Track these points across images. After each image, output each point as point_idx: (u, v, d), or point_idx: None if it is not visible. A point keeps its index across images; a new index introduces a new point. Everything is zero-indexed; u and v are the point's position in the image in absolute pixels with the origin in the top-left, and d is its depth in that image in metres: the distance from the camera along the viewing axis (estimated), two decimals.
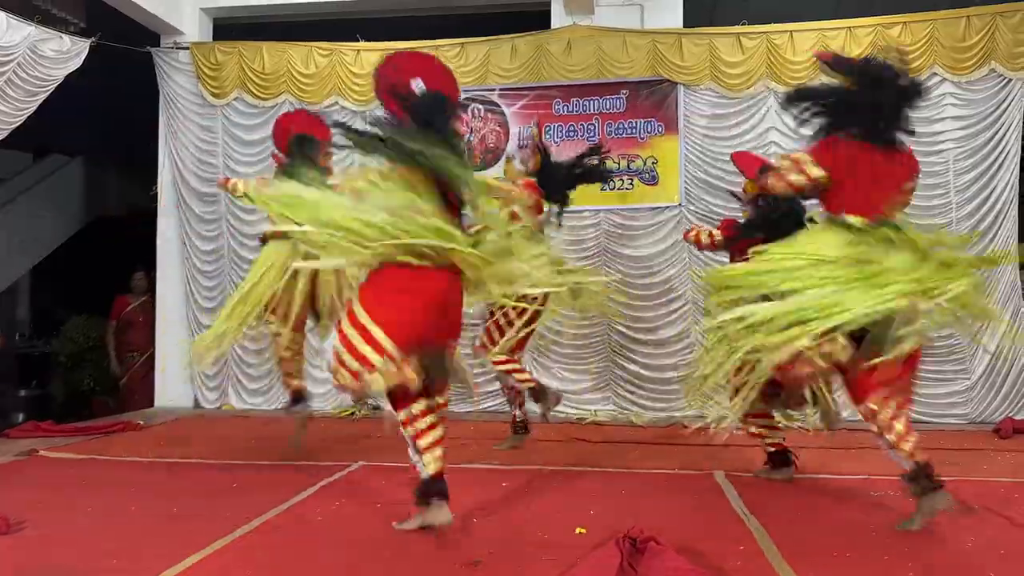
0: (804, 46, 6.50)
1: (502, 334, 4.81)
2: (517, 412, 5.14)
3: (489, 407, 6.74)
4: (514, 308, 4.64)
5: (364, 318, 2.93)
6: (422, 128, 3.07)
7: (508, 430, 5.16)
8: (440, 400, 3.17)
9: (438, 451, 3.08)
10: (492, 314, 4.87)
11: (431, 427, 3.08)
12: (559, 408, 5.80)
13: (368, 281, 3.03)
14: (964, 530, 3.14)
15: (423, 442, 3.06)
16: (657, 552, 2.63)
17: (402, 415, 3.07)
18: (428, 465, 3.05)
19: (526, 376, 4.96)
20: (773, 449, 4.22)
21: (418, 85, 3.20)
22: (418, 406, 3.05)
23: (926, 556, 2.82)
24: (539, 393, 4.80)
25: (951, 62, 6.32)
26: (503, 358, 4.84)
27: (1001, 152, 6.29)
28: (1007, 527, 3.21)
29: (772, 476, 4.17)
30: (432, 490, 3.05)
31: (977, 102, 6.34)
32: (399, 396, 3.04)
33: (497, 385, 6.79)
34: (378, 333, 2.90)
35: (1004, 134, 6.30)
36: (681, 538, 2.88)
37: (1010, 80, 6.28)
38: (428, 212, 2.99)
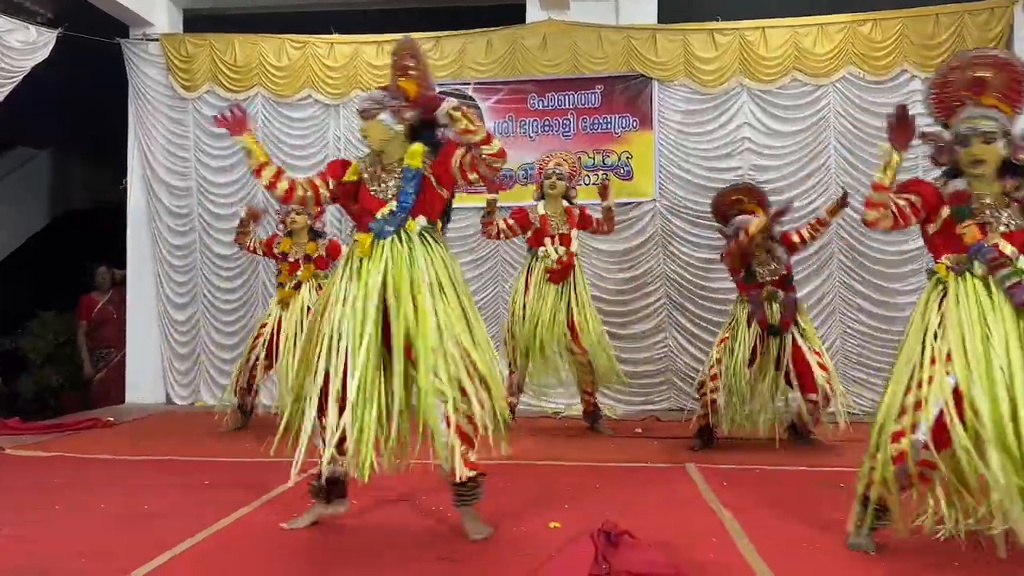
0: (776, 43, 6.55)
1: None
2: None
3: None
4: None
5: None
6: None
7: None
8: None
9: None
10: None
11: None
12: (534, 402, 5.85)
13: None
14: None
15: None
16: (631, 545, 2.64)
17: None
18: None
19: None
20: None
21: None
22: None
23: (894, 545, 2.86)
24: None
25: (920, 59, 6.40)
26: None
27: None
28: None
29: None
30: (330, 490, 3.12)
31: None
32: None
33: None
34: None
35: None
36: (654, 531, 2.89)
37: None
38: None
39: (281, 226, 5.51)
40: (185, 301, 7.19)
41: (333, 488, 3.13)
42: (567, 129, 6.79)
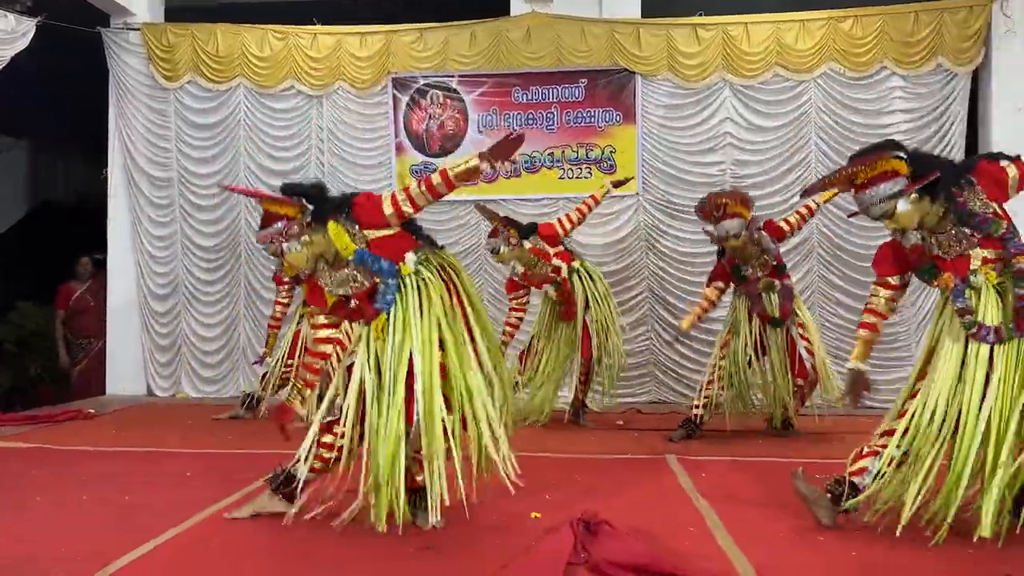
0: (759, 38, 6.60)
1: None
2: None
3: None
4: None
5: None
6: None
7: None
8: None
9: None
10: None
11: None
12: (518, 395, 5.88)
13: None
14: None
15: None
16: (610, 534, 2.68)
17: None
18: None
19: None
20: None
21: None
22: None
23: (868, 537, 2.91)
24: None
25: (900, 56, 6.47)
26: None
27: (946, 145, 6.45)
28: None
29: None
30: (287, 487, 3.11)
31: (924, 95, 6.51)
32: None
33: None
34: None
35: (949, 127, 6.48)
36: (634, 521, 2.94)
37: (956, 75, 6.46)
38: None
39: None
40: (166, 292, 7.15)
41: (291, 486, 3.10)
42: (551, 123, 6.80)
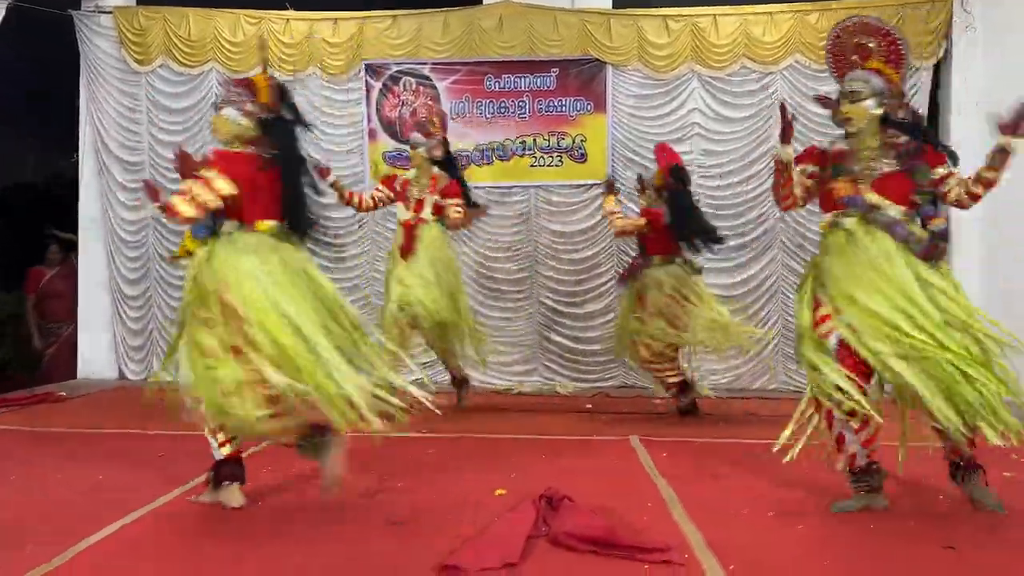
0: (727, 30, 6.72)
1: None
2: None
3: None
4: None
5: None
6: None
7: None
8: None
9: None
10: None
11: None
12: (486, 379, 6.01)
13: None
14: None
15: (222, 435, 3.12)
16: (570, 509, 2.81)
17: None
18: (222, 448, 3.12)
19: None
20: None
21: None
22: None
23: (817, 509, 3.06)
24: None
25: None
26: None
27: None
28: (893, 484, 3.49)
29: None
30: (224, 473, 3.11)
31: None
32: None
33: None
34: None
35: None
36: (594, 498, 3.05)
37: (916, 69, 6.61)
38: None
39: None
40: (138, 276, 7.15)
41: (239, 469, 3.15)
42: (523, 111, 6.88)
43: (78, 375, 7.16)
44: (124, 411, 5.39)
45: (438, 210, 5.15)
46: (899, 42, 3.26)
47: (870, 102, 3.05)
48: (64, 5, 7.00)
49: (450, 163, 5.29)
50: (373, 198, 5.32)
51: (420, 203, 5.16)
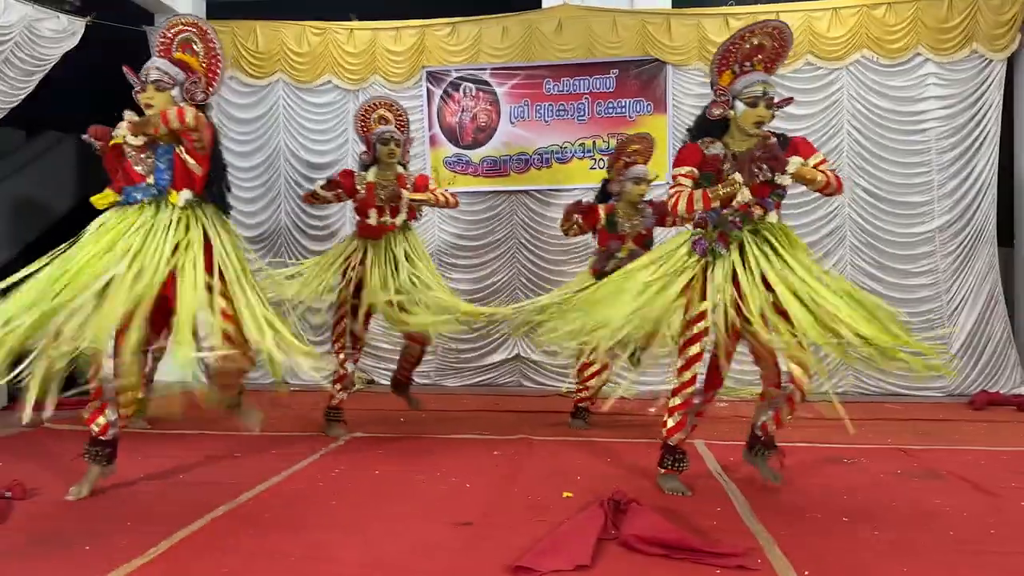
0: (791, 26, 6.58)
1: None
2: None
3: (481, 381, 6.95)
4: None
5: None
6: None
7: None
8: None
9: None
10: None
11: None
12: (549, 382, 6.01)
13: None
14: (929, 493, 3.34)
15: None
16: (638, 512, 2.81)
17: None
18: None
19: None
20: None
21: None
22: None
23: (890, 517, 3.00)
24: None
25: (934, 43, 6.45)
26: None
27: (982, 131, 6.44)
28: (970, 490, 3.40)
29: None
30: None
31: (959, 82, 6.48)
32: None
33: (488, 361, 6.99)
34: None
35: (985, 114, 6.44)
36: (661, 501, 3.06)
37: (991, 61, 6.42)
38: None
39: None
40: None
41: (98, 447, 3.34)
42: (582, 113, 6.89)
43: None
44: (200, 412, 5.56)
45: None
46: (786, 47, 3.38)
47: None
48: (139, 21, 7.27)
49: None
50: None
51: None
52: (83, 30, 6.39)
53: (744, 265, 3.20)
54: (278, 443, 4.38)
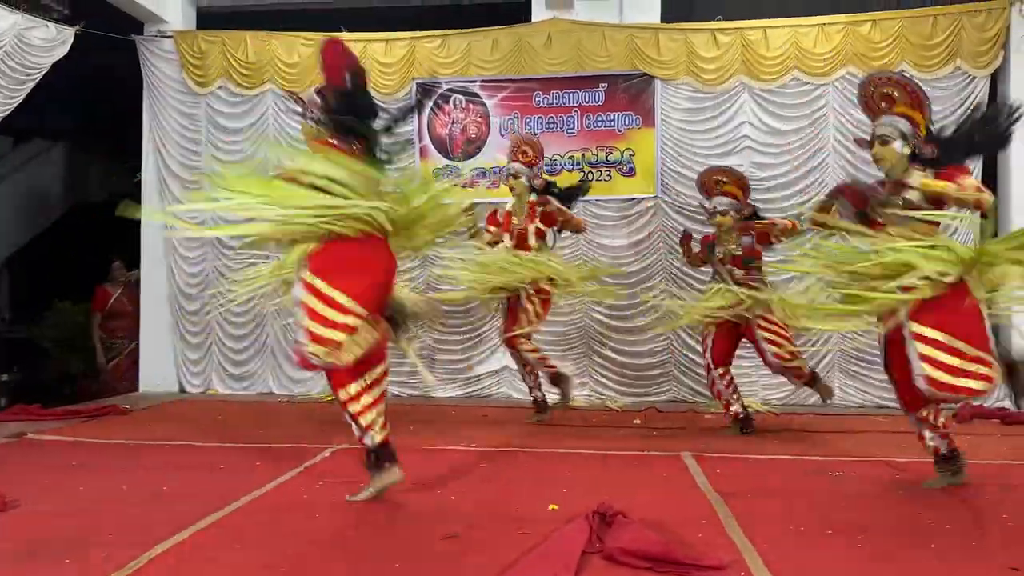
0: (777, 42, 6.68)
1: (528, 319, 5.26)
2: (537, 393, 5.69)
3: (469, 392, 6.95)
4: (538, 295, 5.23)
5: (326, 288, 3.13)
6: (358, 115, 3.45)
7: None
8: (378, 372, 3.39)
9: (380, 421, 3.34)
10: (512, 300, 5.34)
11: (372, 404, 3.33)
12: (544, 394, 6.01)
13: (316, 257, 3.19)
14: (913, 506, 3.36)
15: (365, 419, 3.31)
16: (624, 525, 2.81)
17: (341, 395, 3.31)
18: (375, 436, 3.33)
19: (550, 361, 5.48)
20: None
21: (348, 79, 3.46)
22: (355, 386, 3.30)
23: (873, 530, 3.02)
24: (559, 378, 5.37)
25: (918, 59, 6.53)
26: (531, 345, 5.37)
27: None
28: (954, 503, 3.43)
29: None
30: (384, 455, 3.34)
31: (943, 99, 6.53)
32: (337, 377, 3.28)
33: (478, 372, 7.01)
34: (343, 299, 3.13)
35: None
36: (648, 513, 3.05)
37: (974, 77, 6.50)
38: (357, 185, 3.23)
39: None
40: (196, 292, 7.36)
41: (380, 457, 3.37)
42: (571, 126, 6.93)
43: (140, 388, 7.38)
44: (183, 424, 5.55)
45: (540, 235, 5.45)
46: (919, 91, 3.63)
47: (898, 144, 3.54)
48: (128, 30, 7.28)
49: (548, 188, 5.56)
50: (489, 244, 5.51)
51: (523, 233, 5.45)
52: (72, 39, 6.39)
53: None
54: (263, 455, 4.37)
